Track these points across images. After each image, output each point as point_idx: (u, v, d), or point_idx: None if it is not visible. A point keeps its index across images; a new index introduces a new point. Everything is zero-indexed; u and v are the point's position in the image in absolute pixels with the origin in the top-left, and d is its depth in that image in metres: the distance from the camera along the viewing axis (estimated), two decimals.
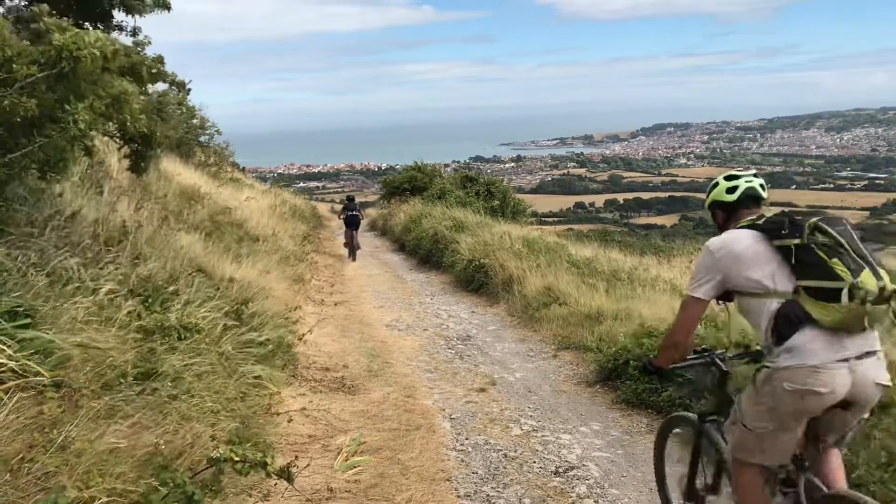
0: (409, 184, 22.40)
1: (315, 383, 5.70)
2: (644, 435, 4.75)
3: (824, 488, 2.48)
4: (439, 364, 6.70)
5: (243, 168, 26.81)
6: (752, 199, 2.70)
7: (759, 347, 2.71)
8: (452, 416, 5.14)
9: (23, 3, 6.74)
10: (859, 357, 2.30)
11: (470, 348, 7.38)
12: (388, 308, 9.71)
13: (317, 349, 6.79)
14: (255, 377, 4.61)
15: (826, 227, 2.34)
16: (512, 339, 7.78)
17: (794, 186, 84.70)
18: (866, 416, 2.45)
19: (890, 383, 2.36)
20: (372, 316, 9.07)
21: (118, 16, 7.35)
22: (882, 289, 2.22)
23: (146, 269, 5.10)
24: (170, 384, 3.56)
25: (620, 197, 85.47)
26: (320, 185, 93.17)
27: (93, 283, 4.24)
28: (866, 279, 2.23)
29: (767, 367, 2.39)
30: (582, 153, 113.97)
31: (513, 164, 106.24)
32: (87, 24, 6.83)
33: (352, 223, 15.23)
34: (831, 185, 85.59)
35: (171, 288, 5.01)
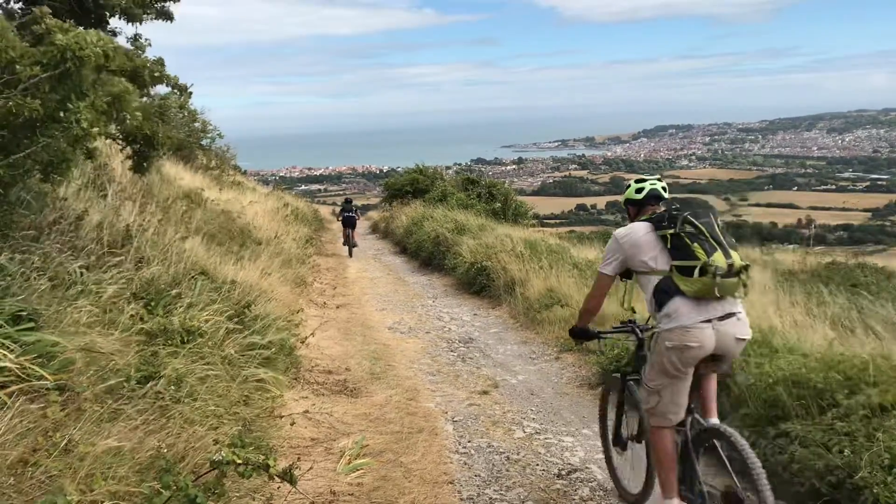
0: (410, 186, 22.44)
1: (318, 386, 5.70)
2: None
3: (703, 422, 3.08)
4: (441, 367, 6.70)
5: (245, 171, 26.84)
6: (654, 197, 3.35)
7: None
8: (455, 419, 5.14)
9: (19, 7, 6.77)
10: (721, 318, 2.91)
11: (472, 351, 7.38)
12: (391, 311, 9.71)
13: (319, 352, 6.80)
14: (258, 380, 4.62)
15: (692, 219, 2.95)
16: (514, 342, 7.78)
17: (795, 188, 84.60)
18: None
19: (749, 337, 2.99)
20: (374, 319, 9.08)
21: (114, 22, 7.37)
22: (731, 265, 2.84)
23: (149, 273, 5.12)
24: (172, 387, 3.57)
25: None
26: (322, 187, 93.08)
27: (96, 287, 4.26)
28: (717, 258, 2.85)
29: (657, 330, 3.02)
30: (583, 155, 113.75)
31: (514, 166, 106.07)
32: (81, 28, 6.84)
33: (348, 223, 16.84)
34: (833, 187, 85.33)
35: (174, 291, 5.03)
